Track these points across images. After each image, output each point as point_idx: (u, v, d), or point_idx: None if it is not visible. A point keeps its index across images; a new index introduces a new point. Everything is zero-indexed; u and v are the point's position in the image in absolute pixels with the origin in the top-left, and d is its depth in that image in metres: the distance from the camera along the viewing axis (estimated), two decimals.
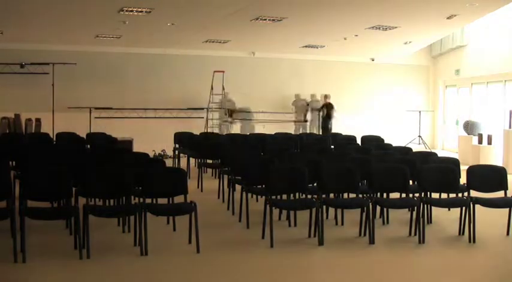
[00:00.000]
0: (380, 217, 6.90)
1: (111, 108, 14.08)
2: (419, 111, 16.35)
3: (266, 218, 5.98)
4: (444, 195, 7.08)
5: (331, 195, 6.64)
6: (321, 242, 5.89)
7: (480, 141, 13.19)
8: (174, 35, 13.17)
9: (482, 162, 11.55)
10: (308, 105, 15.54)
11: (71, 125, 12.42)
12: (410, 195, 6.58)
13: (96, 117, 13.84)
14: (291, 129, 15.04)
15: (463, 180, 6.63)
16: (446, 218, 7.18)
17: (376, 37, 13.38)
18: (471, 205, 6.08)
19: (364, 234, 6.22)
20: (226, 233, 6.50)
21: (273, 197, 6.20)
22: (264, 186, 6.56)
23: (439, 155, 8.53)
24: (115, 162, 6.97)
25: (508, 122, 12.51)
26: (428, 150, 10.66)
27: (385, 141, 10.75)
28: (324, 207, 6.15)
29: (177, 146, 11.36)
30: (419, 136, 16.04)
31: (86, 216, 5.27)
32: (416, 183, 6.89)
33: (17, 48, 13.39)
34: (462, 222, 6.35)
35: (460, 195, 6.71)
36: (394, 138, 14.79)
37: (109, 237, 6.09)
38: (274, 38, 13.51)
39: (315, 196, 6.33)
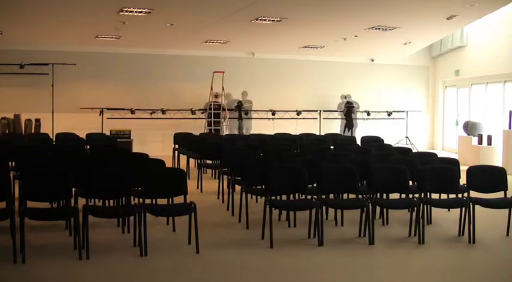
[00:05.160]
0: (380, 217, 6.90)
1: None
2: (407, 112, 16.36)
3: (266, 219, 5.97)
4: (444, 196, 7.08)
5: (331, 195, 6.64)
6: (320, 243, 5.89)
7: (480, 142, 13.21)
8: (174, 36, 13.16)
9: (482, 162, 11.55)
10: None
11: (71, 125, 12.45)
12: (410, 195, 6.58)
13: (108, 118, 13.86)
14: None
15: (462, 180, 6.64)
16: (446, 219, 7.19)
17: (376, 37, 13.38)
18: (471, 206, 6.08)
19: (364, 235, 6.22)
20: (226, 233, 6.50)
21: (273, 197, 6.20)
22: (263, 186, 6.55)
23: (439, 155, 8.53)
24: (115, 163, 6.96)
25: (507, 123, 12.52)
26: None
27: (385, 142, 10.76)
28: (324, 207, 6.15)
29: (176, 146, 11.37)
30: (407, 137, 16.04)
31: (85, 216, 5.27)
32: (416, 183, 6.89)
33: (17, 49, 13.38)
34: (462, 222, 6.35)
35: (459, 195, 6.72)
36: (393, 139, 14.92)
37: (109, 237, 6.10)
38: (274, 38, 13.51)
39: (315, 197, 6.33)
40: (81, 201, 5.63)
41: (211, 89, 14.19)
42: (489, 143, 13.02)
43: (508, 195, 6.46)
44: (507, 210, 6.33)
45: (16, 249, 5.06)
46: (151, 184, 5.89)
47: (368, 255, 5.74)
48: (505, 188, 6.44)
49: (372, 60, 16.76)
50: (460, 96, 16.59)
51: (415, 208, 6.21)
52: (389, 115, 16.32)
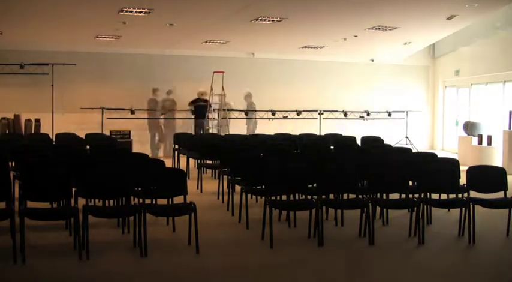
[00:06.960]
0: (380, 218, 6.90)
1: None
2: (407, 112, 16.40)
3: (266, 219, 5.97)
4: (444, 196, 7.07)
5: (331, 195, 6.64)
6: (320, 243, 5.89)
7: (480, 142, 13.20)
8: (174, 36, 13.16)
9: (482, 162, 11.55)
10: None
11: (71, 125, 12.45)
12: (410, 195, 6.58)
13: (108, 118, 13.85)
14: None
15: (462, 180, 6.64)
16: (446, 219, 7.19)
17: (376, 38, 13.38)
18: (471, 206, 6.07)
19: (364, 235, 6.22)
20: (226, 233, 6.49)
21: (273, 197, 6.20)
22: (263, 186, 6.55)
23: (438, 155, 8.53)
24: (115, 163, 6.96)
25: (507, 123, 12.51)
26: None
27: (385, 142, 10.76)
28: (324, 207, 6.15)
29: (176, 146, 11.37)
30: (407, 137, 16.07)
31: (85, 216, 5.26)
32: (416, 183, 6.89)
33: (17, 49, 13.37)
34: (462, 223, 6.35)
35: (459, 196, 6.71)
36: (393, 139, 14.93)
37: (109, 237, 6.09)
38: (274, 38, 13.51)
39: (315, 197, 6.33)
40: (81, 201, 5.62)
41: (211, 89, 14.18)
42: (489, 143, 13.02)
43: (508, 195, 6.46)
44: (507, 210, 6.33)
45: (16, 249, 5.05)
46: (151, 184, 5.89)
47: (368, 255, 5.74)
48: (505, 188, 6.44)
49: (372, 60, 16.76)
50: (460, 96, 16.59)
51: (415, 208, 6.21)
52: (389, 115, 16.33)
